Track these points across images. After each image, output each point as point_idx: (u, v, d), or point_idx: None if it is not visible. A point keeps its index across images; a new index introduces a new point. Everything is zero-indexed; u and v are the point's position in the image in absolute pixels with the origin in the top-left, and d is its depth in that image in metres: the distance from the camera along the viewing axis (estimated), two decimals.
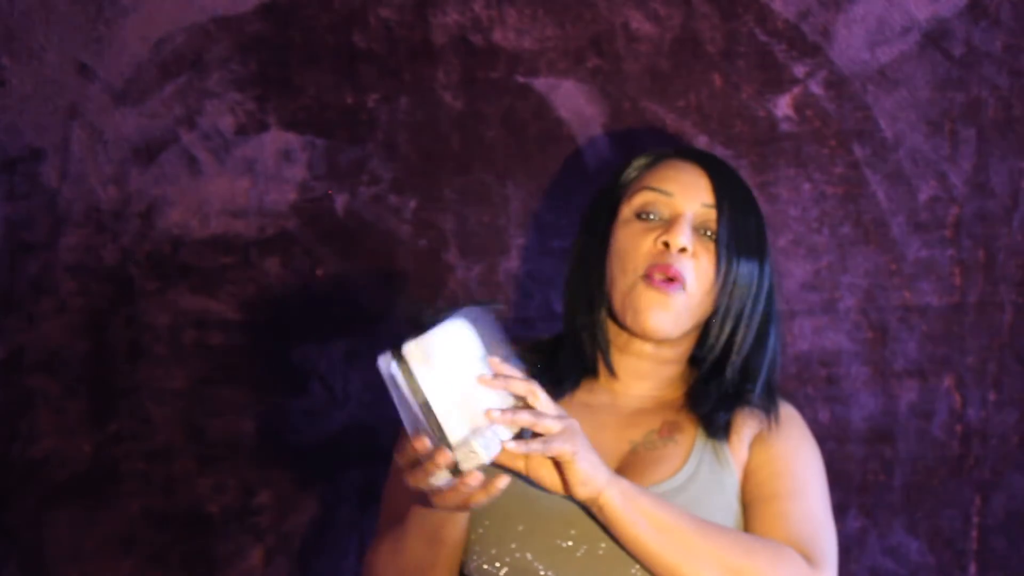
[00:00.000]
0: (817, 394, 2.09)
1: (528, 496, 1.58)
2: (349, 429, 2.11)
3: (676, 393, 1.73)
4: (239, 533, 2.11)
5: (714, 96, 2.08)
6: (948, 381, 2.09)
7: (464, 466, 1.41)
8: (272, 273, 2.10)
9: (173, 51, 2.09)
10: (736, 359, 1.68)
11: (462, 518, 1.56)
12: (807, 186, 2.09)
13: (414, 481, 1.43)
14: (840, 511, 2.08)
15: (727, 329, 1.67)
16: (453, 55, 2.09)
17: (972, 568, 2.09)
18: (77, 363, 2.10)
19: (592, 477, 1.49)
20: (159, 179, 2.10)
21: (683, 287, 1.63)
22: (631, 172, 1.74)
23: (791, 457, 1.67)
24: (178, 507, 2.11)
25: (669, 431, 1.67)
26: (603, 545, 1.56)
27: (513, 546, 1.57)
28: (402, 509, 1.61)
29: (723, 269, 1.65)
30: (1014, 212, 2.08)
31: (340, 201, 2.10)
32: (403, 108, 2.10)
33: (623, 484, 1.52)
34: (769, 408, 1.69)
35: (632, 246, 1.66)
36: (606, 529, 1.55)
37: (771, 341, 1.70)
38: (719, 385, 1.69)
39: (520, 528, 1.57)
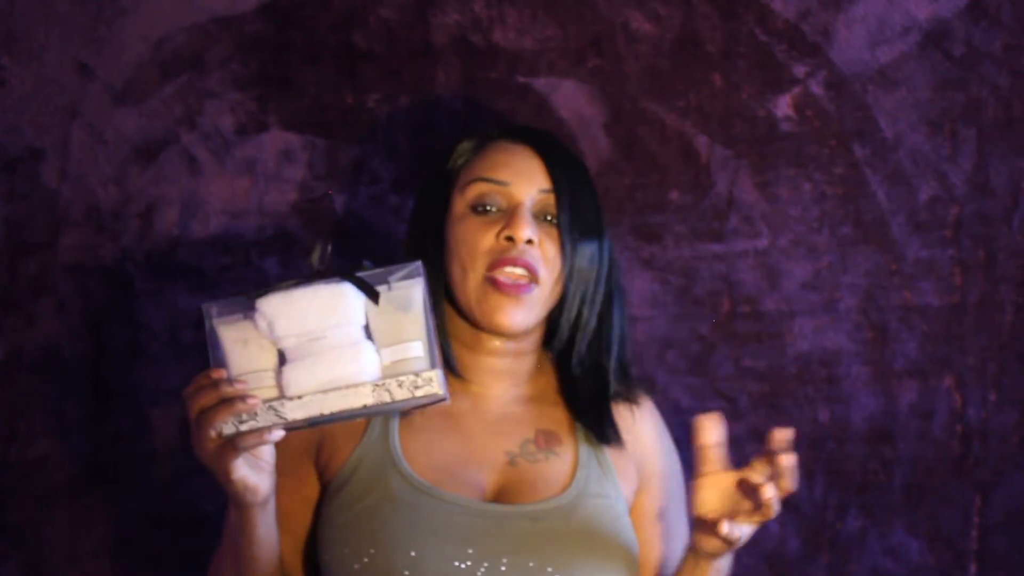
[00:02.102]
0: (817, 394, 2.09)
1: (417, 520, 1.53)
2: None
3: (537, 388, 1.69)
4: None
5: (714, 96, 2.08)
6: (948, 381, 2.09)
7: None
8: (272, 273, 2.10)
9: (173, 51, 2.09)
10: (581, 341, 1.66)
11: (260, 532, 1.50)
12: (807, 186, 2.09)
13: (217, 418, 1.40)
14: (840, 511, 2.08)
15: (573, 312, 1.65)
16: (453, 55, 2.09)
17: (972, 568, 2.09)
18: (76, 363, 2.10)
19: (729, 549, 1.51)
20: (159, 179, 2.10)
21: (536, 282, 1.60)
22: (458, 159, 1.68)
23: (670, 471, 1.71)
24: (177, 507, 2.11)
25: (547, 441, 1.64)
26: (505, 561, 1.52)
27: (406, 574, 1.50)
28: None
29: (568, 254, 1.62)
30: (1014, 212, 2.08)
31: (340, 201, 2.10)
32: (403, 108, 2.10)
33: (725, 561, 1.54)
34: (626, 393, 1.69)
35: (472, 242, 1.61)
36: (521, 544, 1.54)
37: (615, 319, 1.68)
38: (582, 377, 1.67)
39: (412, 554, 1.50)
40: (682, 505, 1.70)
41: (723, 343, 2.09)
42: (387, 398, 1.40)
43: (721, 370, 2.09)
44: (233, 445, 1.41)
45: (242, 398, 1.40)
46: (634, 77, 2.09)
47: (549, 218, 1.63)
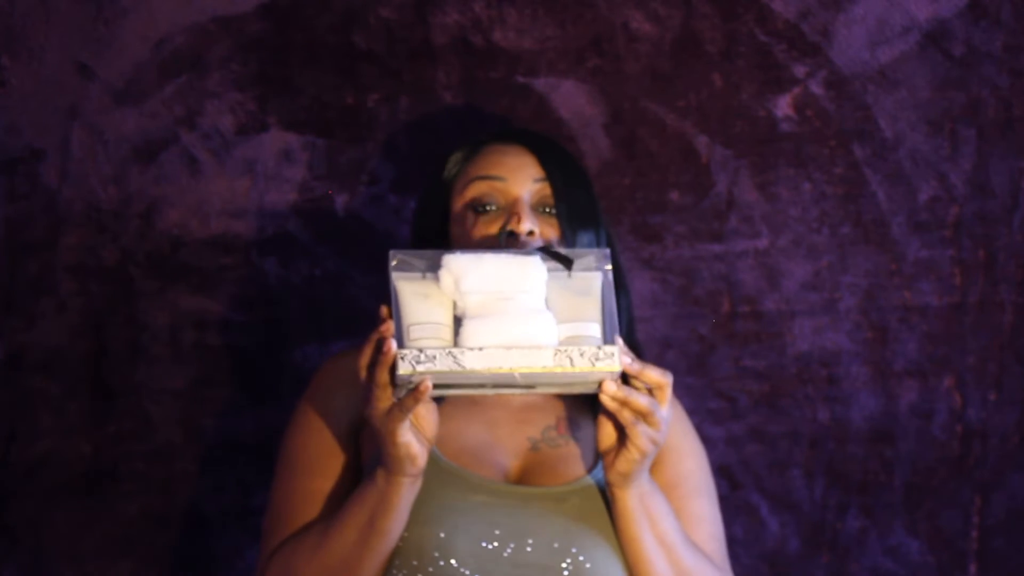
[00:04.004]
0: (817, 394, 2.09)
1: (445, 501, 1.55)
2: None
3: None
4: (238, 533, 2.10)
5: (714, 96, 2.08)
6: (948, 381, 2.09)
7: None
8: (272, 273, 2.10)
9: (173, 51, 2.09)
10: None
11: (402, 509, 1.50)
12: (807, 186, 2.09)
13: (377, 370, 1.40)
14: (840, 511, 2.08)
15: None
16: (453, 55, 2.09)
17: (972, 568, 2.09)
18: (77, 363, 2.09)
19: (641, 470, 1.48)
20: (159, 179, 2.10)
21: None
22: (453, 167, 1.71)
23: (688, 453, 1.69)
24: (177, 507, 2.11)
25: (568, 426, 1.66)
26: (531, 541, 1.53)
27: (436, 554, 1.52)
28: (306, 512, 1.58)
29: (569, 240, 1.64)
30: (1014, 212, 2.08)
31: (340, 201, 2.10)
32: (403, 108, 2.10)
33: (646, 486, 1.52)
34: None
35: (475, 241, 1.64)
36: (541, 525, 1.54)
37: (621, 302, 1.68)
38: None
39: (441, 535, 1.52)
40: (703, 486, 1.69)
41: (723, 343, 2.09)
42: (567, 364, 1.39)
43: (721, 370, 2.09)
44: (400, 407, 1.40)
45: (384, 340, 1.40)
46: (634, 77, 2.09)
47: (548, 209, 1.66)
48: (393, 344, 1.39)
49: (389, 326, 1.41)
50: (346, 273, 2.10)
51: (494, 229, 1.64)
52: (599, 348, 1.40)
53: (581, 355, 1.40)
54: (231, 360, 2.10)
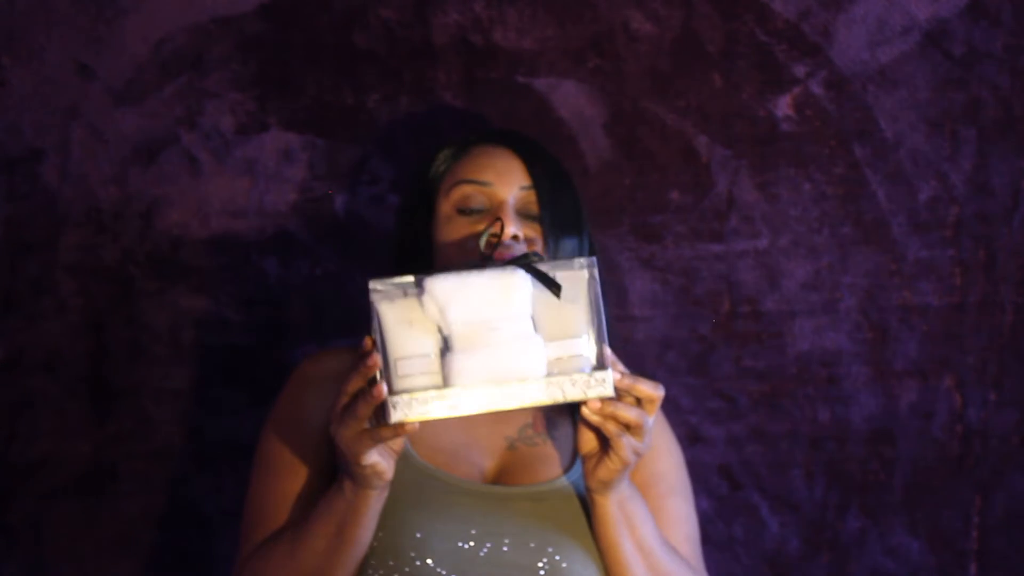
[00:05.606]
0: (817, 394, 2.09)
1: (421, 502, 1.56)
2: None
3: None
4: (238, 533, 2.10)
5: (714, 96, 2.08)
6: (948, 381, 2.09)
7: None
8: (272, 273, 2.10)
9: (173, 51, 2.09)
10: None
11: (370, 515, 1.50)
12: (807, 186, 2.09)
13: (360, 406, 1.39)
14: (840, 511, 2.08)
15: None
16: (453, 55, 2.09)
17: (972, 568, 2.09)
18: (77, 363, 2.10)
19: (622, 478, 1.49)
20: (159, 179, 2.10)
21: None
22: (440, 165, 1.72)
23: (665, 453, 1.70)
24: (177, 507, 2.11)
25: (546, 425, 1.67)
26: (507, 541, 1.54)
27: (412, 555, 1.53)
28: (282, 514, 1.59)
29: (552, 247, 1.64)
30: (1014, 212, 2.08)
31: (340, 201, 2.10)
32: (403, 108, 2.10)
33: (626, 491, 1.52)
34: None
35: (460, 242, 1.64)
36: (515, 524, 1.55)
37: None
38: None
39: (418, 535, 1.53)
40: (679, 485, 1.70)
41: (723, 343, 2.09)
42: (559, 396, 1.40)
43: (721, 370, 2.09)
44: (372, 436, 1.40)
45: (371, 390, 1.38)
46: (634, 77, 2.09)
47: (532, 215, 1.67)
48: (384, 389, 1.38)
49: (376, 360, 1.40)
50: (346, 273, 2.10)
51: (479, 231, 1.64)
52: (590, 376, 1.40)
53: (573, 384, 1.40)
54: (231, 360, 2.10)
